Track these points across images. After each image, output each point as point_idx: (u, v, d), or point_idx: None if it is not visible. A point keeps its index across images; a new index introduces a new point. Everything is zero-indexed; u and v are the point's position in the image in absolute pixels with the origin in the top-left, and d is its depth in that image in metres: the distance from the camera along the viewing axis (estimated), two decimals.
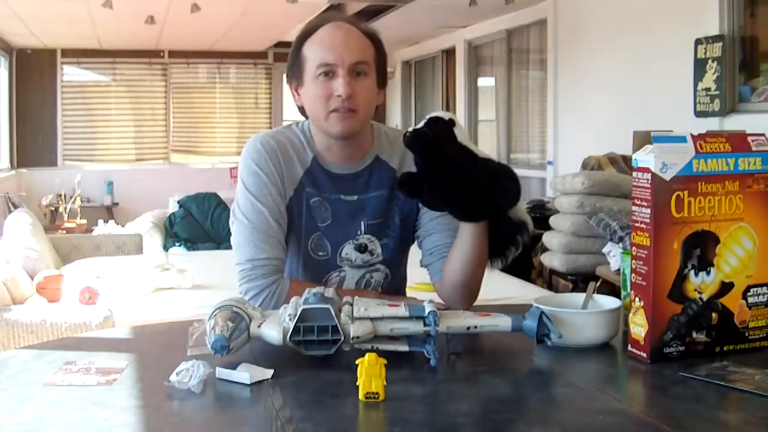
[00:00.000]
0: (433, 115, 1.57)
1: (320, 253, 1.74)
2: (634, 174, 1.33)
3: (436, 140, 1.53)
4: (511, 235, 1.68)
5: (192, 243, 6.59)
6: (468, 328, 1.35)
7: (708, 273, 1.33)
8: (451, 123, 1.55)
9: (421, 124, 1.56)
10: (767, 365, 1.26)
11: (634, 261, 1.34)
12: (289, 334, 1.30)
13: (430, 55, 10.25)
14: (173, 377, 1.19)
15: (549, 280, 5.28)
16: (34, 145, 10.41)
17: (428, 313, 1.31)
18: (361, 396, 1.14)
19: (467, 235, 1.62)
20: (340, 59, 1.63)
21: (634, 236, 1.34)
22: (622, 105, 5.94)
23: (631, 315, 1.35)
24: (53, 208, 9.62)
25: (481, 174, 1.55)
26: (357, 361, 1.15)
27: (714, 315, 1.34)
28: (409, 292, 1.90)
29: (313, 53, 1.66)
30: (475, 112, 9.07)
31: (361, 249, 1.74)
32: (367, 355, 1.15)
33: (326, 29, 1.68)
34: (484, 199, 1.56)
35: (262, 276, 1.63)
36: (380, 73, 1.72)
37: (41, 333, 3.06)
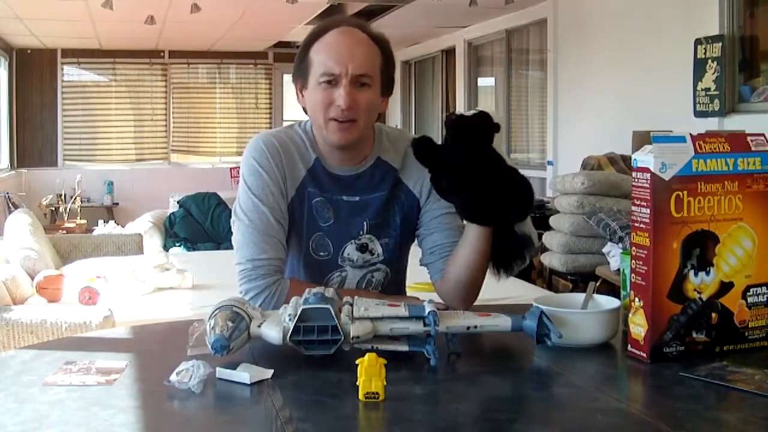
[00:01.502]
0: (484, 110, 1.56)
1: (321, 253, 1.74)
2: (634, 174, 1.33)
3: (473, 133, 1.53)
4: (515, 248, 1.67)
5: (192, 243, 6.59)
6: (468, 328, 1.35)
7: (707, 273, 1.33)
8: (497, 127, 1.55)
9: (470, 112, 1.55)
10: (767, 365, 1.26)
11: (633, 261, 1.34)
12: (289, 334, 1.30)
13: (430, 55, 10.25)
14: (173, 377, 1.19)
15: (549, 280, 5.28)
16: (34, 145, 10.41)
17: (428, 313, 1.31)
18: (361, 396, 1.14)
19: (472, 235, 1.62)
20: (344, 70, 1.62)
21: (633, 236, 1.34)
22: (622, 105, 5.94)
23: (630, 315, 1.35)
24: (53, 208, 9.62)
25: (499, 182, 1.55)
26: (357, 361, 1.15)
27: (714, 315, 1.34)
28: (409, 292, 1.90)
29: (319, 59, 1.65)
30: None
31: (363, 249, 1.74)
32: (367, 355, 1.15)
33: (334, 35, 1.66)
34: (495, 206, 1.56)
35: (263, 276, 1.63)
36: (385, 81, 1.71)
37: (41, 333, 3.06)
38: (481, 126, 1.54)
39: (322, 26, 1.70)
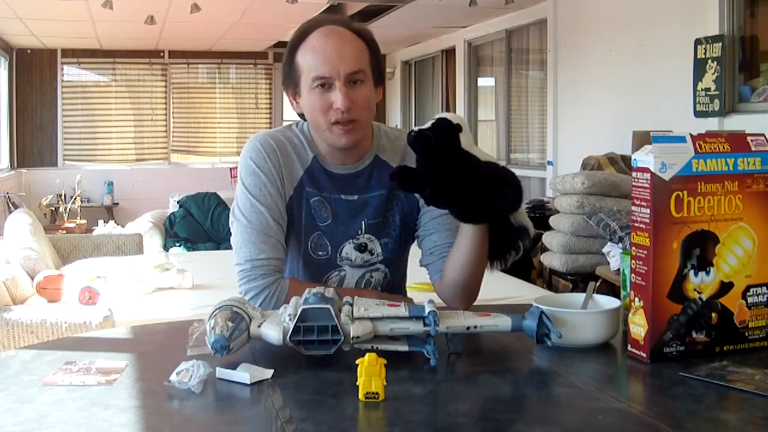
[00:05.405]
0: (441, 116, 1.55)
1: (320, 253, 1.74)
2: (634, 174, 1.33)
3: (437, 145, 1.52)
4: (511, 239, 1.67)
5: (192, 243, 6.59)
6: (468, 328, 1.35)
7: (707, 273, 1.33)
8: (458, 128, 1.54)
9: (428, 125, 1.54)
10: (767, 365, 1.26)
11: (633, 261, 1.34)
12: (289, 334, 1.30)
13: (430, 55, 10.25)
14: (173, 377, 1.19)
15: (549, 280, 5.28)
16: (34, 145, 10.42)
17: (428, 313, 1.31)
18: (361, 396, 1.14)
19: (467, 235, 1.62)
20: (335, 71, 1.61)
21: (633, 236, 1.34)
22: (622, 105, 5.94)
23: (630, 315, 1.35)
24: (53, 208, 9.63)
25: (482, 180, 1.54)
26: (357, 361, 1.15)
27: (714, 315, 1.34)
28: (409, 292, 1.90)
29: (307, 63, 1.64)
30: (475, 112, 9.07)
31: (361, 248, 1.74)
32: (367, 355, 1.15)
33: (317, 37, 1.64)
34: (485, 203, 1.55)
35: (262, 276, 1.63)
36: (376, 72, 1.70)
37: (41, 333, 3.06)
38: (442, 134, 1.52)
39: (303, 29, 1.67)
